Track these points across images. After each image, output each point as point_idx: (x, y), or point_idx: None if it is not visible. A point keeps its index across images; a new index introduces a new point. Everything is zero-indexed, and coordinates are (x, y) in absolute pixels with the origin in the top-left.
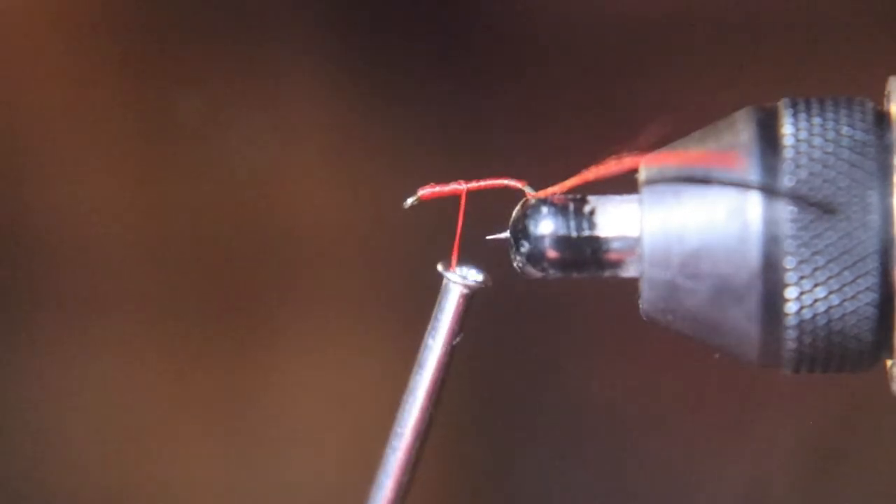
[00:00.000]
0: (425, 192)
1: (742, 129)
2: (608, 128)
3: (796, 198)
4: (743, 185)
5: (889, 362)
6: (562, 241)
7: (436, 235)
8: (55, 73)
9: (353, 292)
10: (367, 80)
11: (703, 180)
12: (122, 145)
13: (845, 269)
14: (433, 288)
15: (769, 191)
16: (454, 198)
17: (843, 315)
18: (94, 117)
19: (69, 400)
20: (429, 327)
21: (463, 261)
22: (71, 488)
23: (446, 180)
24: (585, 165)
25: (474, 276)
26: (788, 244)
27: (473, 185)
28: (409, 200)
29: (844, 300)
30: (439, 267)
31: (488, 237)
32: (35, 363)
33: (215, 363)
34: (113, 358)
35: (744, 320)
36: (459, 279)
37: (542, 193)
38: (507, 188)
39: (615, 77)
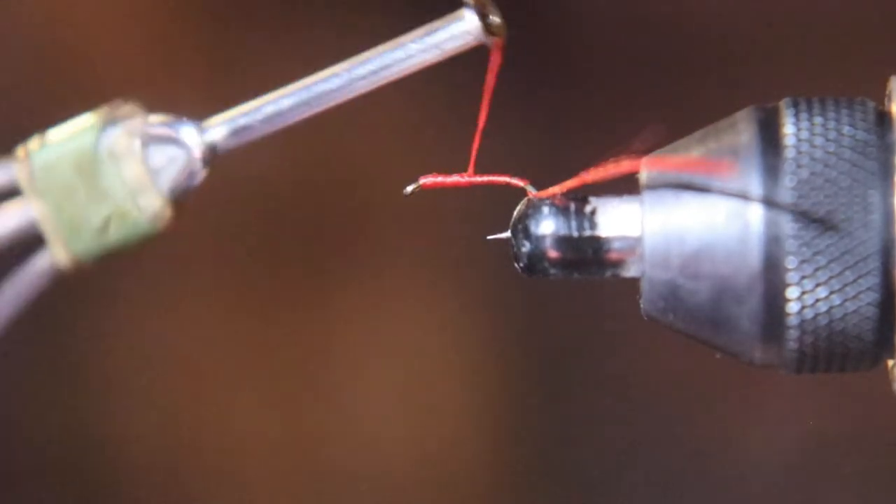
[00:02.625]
0: (427, 181)
1: (743, 129)
2: (611, 129)
3: (798, 213)
4: (744, 196)
5: (890, 362)
6: (563, 241)
7: (491, 203)
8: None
9: (411, 253)
10: None
11: (704, 189)
12: (193, 99)
13: (847, 268)
14: (484, 252)
15: (770, 204)
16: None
17: (845, 315)
18: (166, 68)
19: (142, 351)
20: (415, 34)
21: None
22: (143, 433)
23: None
24: (588, 166)
25: (492, 24)
26: (790, 244)
27: (476, 178)
28: (410, 188)
29: (846, 300)
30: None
31: (489, 237)
32: (108, 316)
33: (282, 317)
34: (184, 313)
35: (745, 320)
36: (475, 21)
37: (543, 193)
38: (508, 186)
39: (617, 78)
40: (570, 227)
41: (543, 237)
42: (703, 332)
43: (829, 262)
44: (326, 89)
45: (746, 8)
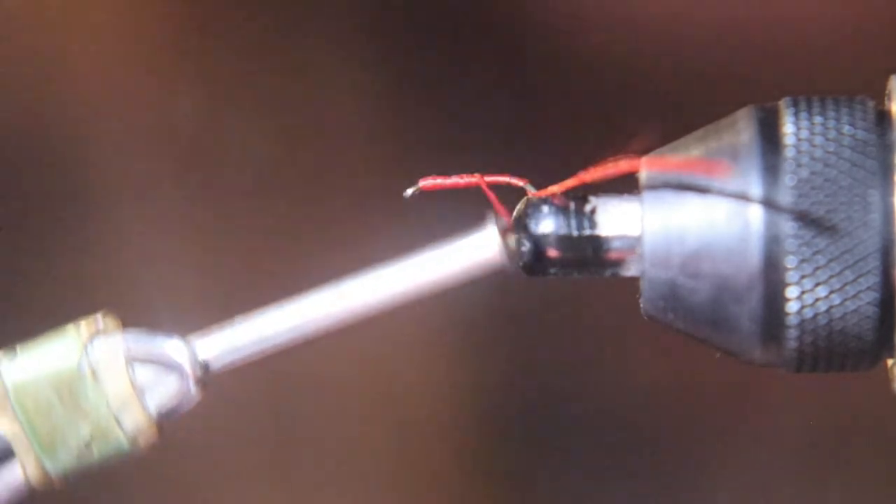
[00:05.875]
0: (427, 183)
1: (743, 129)
2: (610, 128)
3: (797, 214)
4: (743, 198)
5: (890, 361)
6: (563, 240)
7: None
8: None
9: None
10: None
11: (703, 189)
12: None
13: (846, 268)
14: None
15: (770, 203)
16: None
17: (845, 314)
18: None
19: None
20: (438, 251)
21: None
22: None
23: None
24: (586, 166)
25: (512, 249)
26: (790, 243)
27: (476, 179)
28: (410, 191)
29: (846, 299)
30: (490, 217)
31: None
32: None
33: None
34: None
35: (745, 320)
36: (498, 243)
37: (543, 192)
38: (508, 186)
39: (618, 77)
40: (569, 227)
41: (543, 236)
42: (703, 331)
43: (829, 261)
44: (329, 312)
45: (747, 7)
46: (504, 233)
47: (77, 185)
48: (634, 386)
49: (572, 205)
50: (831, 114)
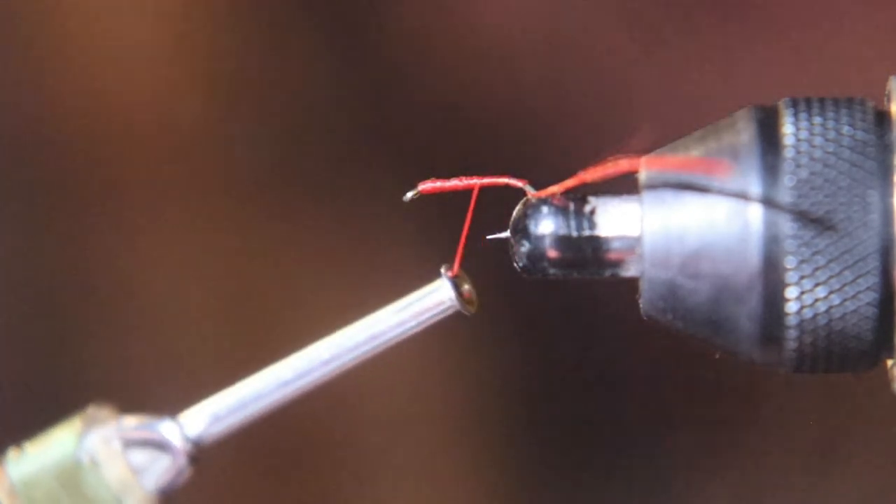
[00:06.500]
0: (426, 186)
1: (743, 129)
2: (609, 127)
3: (797, 213)
4: (743, 196)
5: (889, 362)
6: (562, 241)
7: (491, 203)
8: None
9: (407, 253)
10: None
11: (703, 189)
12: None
13: (846, 268)
14: (483, 252)
15: (769, 204)
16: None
17: (844, 315)
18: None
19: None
20: (398, 304)
21: (469, 269)
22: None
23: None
24: (585, 166)
25: (467, 296)
26: (789, 244)
27: (476, 181)
28: (410, 194)
29: (845, 300)
30: (442, 269)
31: (489, 237)
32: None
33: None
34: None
35: (744, 320)
36: (450, 292)
37: (542, 193)
38: (507, 187)
39: (616, 75)
40: (569, 227)
41: (543, 237)
42: (703, 331)
43: (829, 261)
44: (304, 369)
45: (747, 8)
46: (456, 281)
47: (75, 180)
48: (633, 386)
49: (572, 205)
50: (831, 114)
